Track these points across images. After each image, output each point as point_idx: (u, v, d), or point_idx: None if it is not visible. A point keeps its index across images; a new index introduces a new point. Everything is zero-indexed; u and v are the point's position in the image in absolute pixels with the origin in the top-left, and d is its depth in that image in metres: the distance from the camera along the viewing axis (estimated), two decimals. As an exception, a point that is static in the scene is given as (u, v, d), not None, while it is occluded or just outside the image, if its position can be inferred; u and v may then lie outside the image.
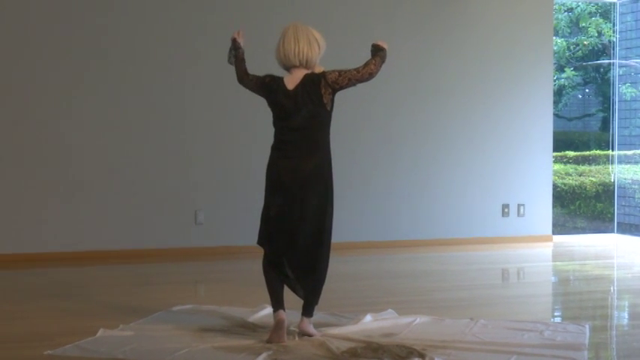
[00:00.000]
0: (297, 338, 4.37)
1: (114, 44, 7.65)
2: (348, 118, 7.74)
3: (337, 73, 4.38)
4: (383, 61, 4.46)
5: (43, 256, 7.39)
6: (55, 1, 7.51)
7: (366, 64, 4.42)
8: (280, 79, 4.44)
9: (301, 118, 4.35)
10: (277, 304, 4.40)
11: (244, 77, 4.62)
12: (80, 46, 7.56)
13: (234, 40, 4.69)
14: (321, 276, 4.43)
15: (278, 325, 4.33)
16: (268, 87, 4.45)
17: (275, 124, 4.46)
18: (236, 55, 4.67)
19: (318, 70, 4.44)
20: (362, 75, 4.40)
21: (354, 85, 4.44)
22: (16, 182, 7.44)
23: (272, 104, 4.45)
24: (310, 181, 4.36)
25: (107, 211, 7.64)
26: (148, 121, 7.76)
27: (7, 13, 7.42)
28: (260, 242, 4.50)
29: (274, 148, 4.45)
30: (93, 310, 5.24)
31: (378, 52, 4.48)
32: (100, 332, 4.49)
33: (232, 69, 4.67)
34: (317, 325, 4.51)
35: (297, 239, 4.35)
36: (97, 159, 7.63)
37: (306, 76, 4.39)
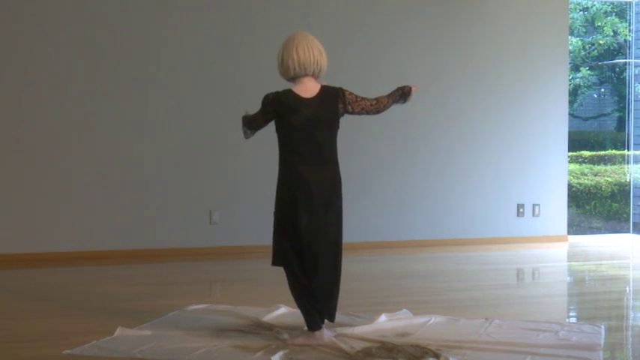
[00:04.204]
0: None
1: (133, 43, 7.68)
2: (365, 118, 7.74)
3: (354, 96, 4.35)
4: (395, 102, 4.45)
5: (60, 256, 7.44)
6: (58, 2, 7.57)
7: (379, 101, 4.42)
8: (287, 90, 4.31)
9: (324, 126, 4.24)
10: (316, 324, 4.30)
11: (257, 123, 4.42)
12: (101, 46, 7.61)
13: (243, 118, 4.47)
14: (339, 288, 4.38)
15: (319, 343, 4.25)
16: (275, 102, 4.27)
17: (292, 136, 4.24)
18: (249, 121, 4.44)
19: (325, 84, 4.36)
20: (372, 109, 4.41)
21: (360, 115, 4.45)
22: (32, 182, 7.49)
23: (286, 115, 4.24)
24: (333, 193, 4.30)
25: (122, 210, 7.68)
26: (163, 120, 7.79)
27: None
28: (280, 264, 4.32)
29: (298, 162, 4.22)
30: (110, 309, 5.27)
31: (397, 93, 4.45)
32: (118, 331, 4.52)
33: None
34: (332, 325, 4.53)
35: (321, 254, 4.25)
36: (112, 159, 7.67)
37: (324, 88, 4.31)
